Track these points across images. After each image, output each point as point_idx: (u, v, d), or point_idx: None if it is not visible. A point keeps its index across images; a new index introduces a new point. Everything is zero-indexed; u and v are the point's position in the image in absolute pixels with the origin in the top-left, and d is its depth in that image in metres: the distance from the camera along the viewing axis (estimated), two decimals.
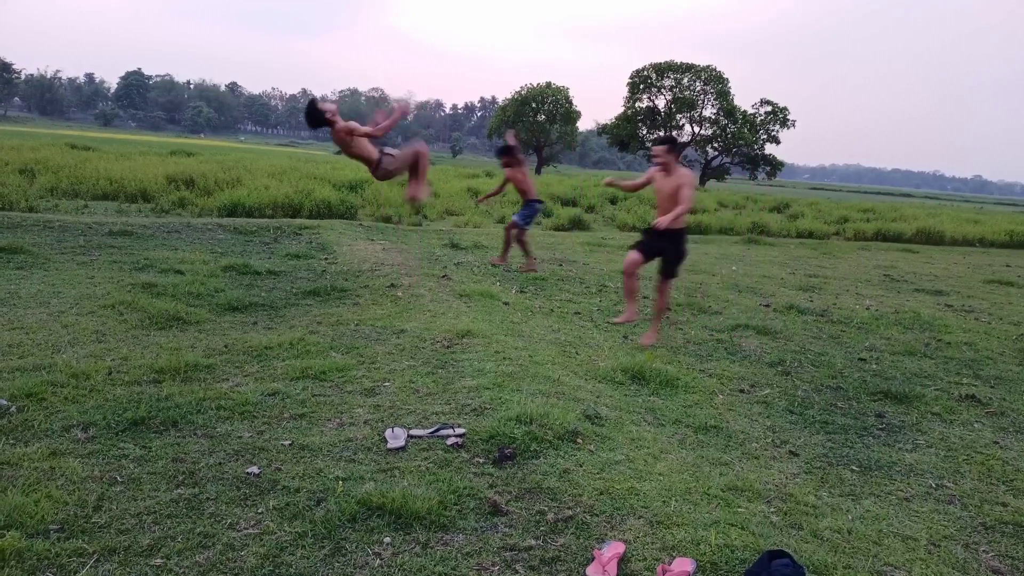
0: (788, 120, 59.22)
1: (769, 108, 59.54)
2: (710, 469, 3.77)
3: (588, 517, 3.09)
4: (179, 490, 3.20)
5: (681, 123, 61.35)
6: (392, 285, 7.97)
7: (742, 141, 58.39)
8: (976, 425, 5.00)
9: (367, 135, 5.75)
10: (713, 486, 3.50)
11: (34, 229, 9.87)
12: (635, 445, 3.94)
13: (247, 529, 2.91)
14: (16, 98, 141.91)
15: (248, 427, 3.93)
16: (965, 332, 7.97)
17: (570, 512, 3.11)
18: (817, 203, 30.21)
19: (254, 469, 3.40)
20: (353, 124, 5.75)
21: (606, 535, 2.94)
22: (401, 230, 13.29)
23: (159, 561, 2.69)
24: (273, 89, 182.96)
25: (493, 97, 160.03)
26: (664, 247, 6.66)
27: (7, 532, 2.74)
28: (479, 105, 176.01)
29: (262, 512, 3.04)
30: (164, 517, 2.98)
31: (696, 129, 61.23)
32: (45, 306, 6.25)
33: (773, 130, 59.35)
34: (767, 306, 8.71)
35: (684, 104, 59.66)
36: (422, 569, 2.70)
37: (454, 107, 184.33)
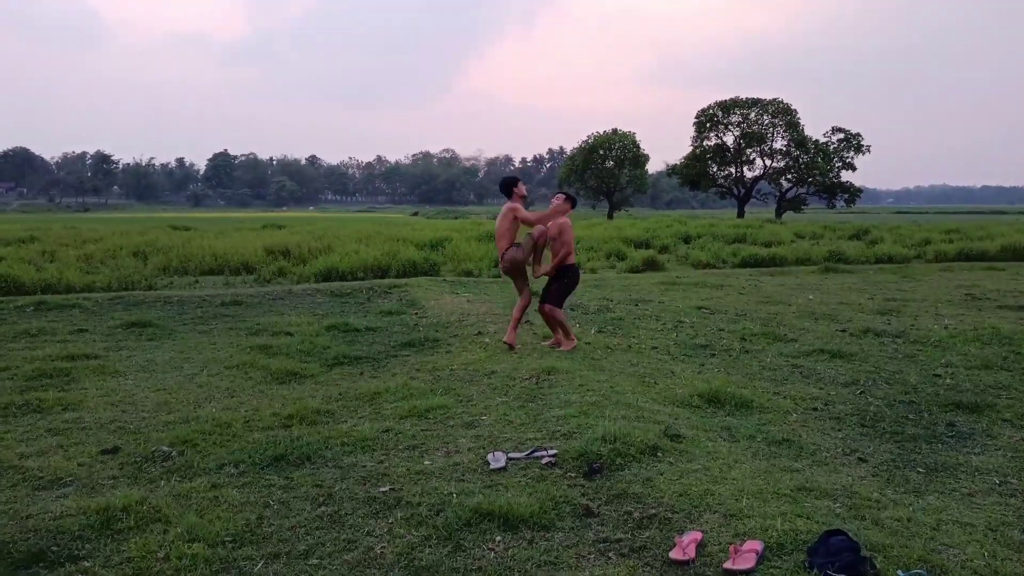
0: (862, 146, 58.28)
1: (842, 135, 58.78)
2: (780, 474, 4.16)
3: (669, 514, 3.55)
4: (322, 508, 3.82)
5: (752, 157, 61.19)
6: (479, 332, 8.60)
7: (816, 171, 57.67)
8: None
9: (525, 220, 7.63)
10: (783, 487, 3.90)
11: (156, 304, 11.00)
12: (711, 457, 4.37)
13: (382, 535, 3.49)
14: (115, 186, 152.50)
15: (369, 458, 4.55)
16: None
17: (653, 511, 3.58)
18: (899, 227, 29.69)
19: (382, 489, 4.00)
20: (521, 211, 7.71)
21: (685, 527, 3.40)
22: (482, 283, 14.00)
23: (315, 561, 3.29)
24: (350, 159, 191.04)
25: (561, 148, 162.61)
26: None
27: (193, 544, 3.40)
28: (547, 156, 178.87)
29: (392, 521, 3.62)
30: (313, 529, 3.59)
31: (768, 162, 60.89)
32: (179, 370, 7.12)
33: (847, 157, 58.46)
34: (843, 331, 8.92)
35: (753, 138, 59.56)
36: (530, 559, 3.21)
37: (523, 160, 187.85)
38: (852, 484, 4.07)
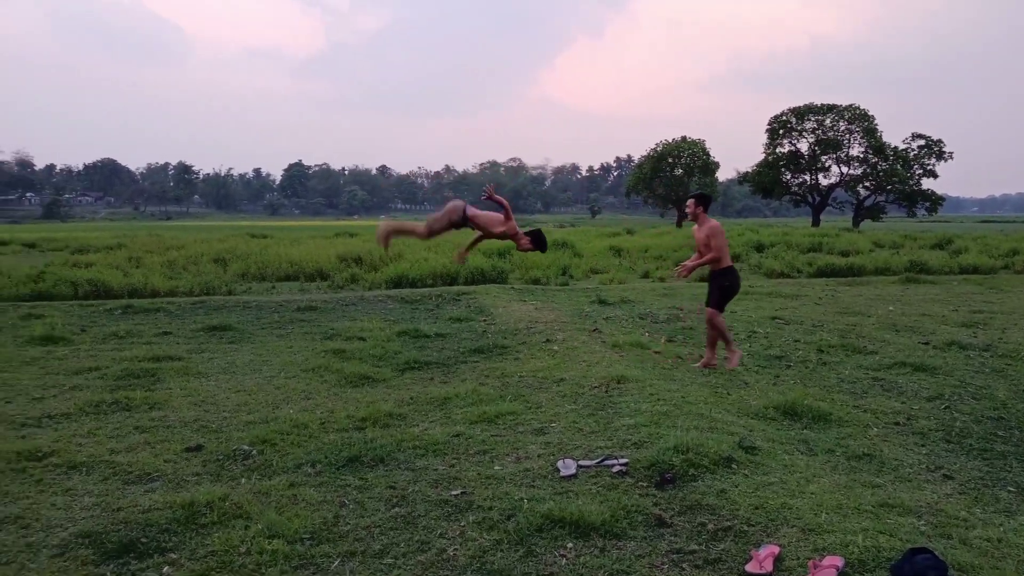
0: (944, 153, 56.07)
1: (922, 142, 56.68)
2: (861, 490, 4.03)
3: (745, 527, 3.48)
4: (395, 509, 3.88)
5: (827, 164, 59.51)
6: (548, 340, 8.61)
7: (895, 178, 55.73)
8: None
9: (502, 222, 6.18)
10: (864, 503, 3.78)
11: (236, 309, 11.38)
12: (788, 470, 4.27)
13: (454, 537, 3.53)
14: (196, 195, 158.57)
15: (441, 462, 4.61)
16: None
17: (728, 523, 3.52)
18: (984, 237, 28.42)
19: (454, 492, 4.04)
20: (488, 215, 6.26)
21: (762, 541, 3.33)
22: (549, 291, 14.01)
23: (389, 561, 3.35)
24: (419, 168, 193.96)
25: (628, 156, 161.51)
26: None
27: (273, 540, 3.51)
28: (615, 165, 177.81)
29: (464, 525, 3.66)
30: (387, 529, 3.66)
31: (844, 169, 59.14)
32: (258, 372, 7.35)
33: (928, 164, 56.33)
34: (926, 344, 8.59)
35: (829, 145, 57.93)
36: (602, 567, 3.20)
37: (590, 169, 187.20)
38: (938, 501, 3.92)
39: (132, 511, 3.87)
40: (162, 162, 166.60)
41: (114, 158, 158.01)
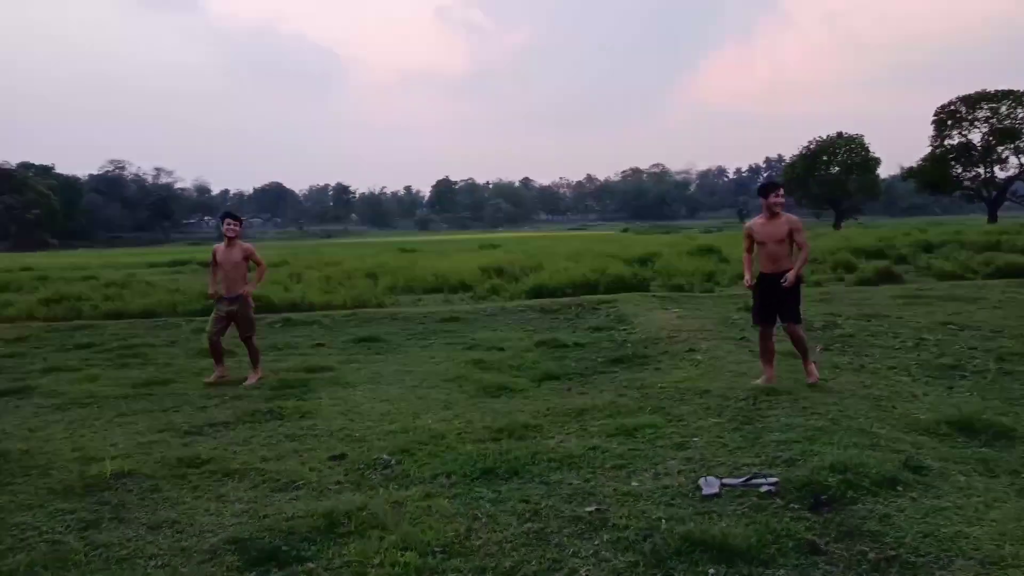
0: None
1: None
2: None
3: (913, 557, 3.10)
4: (528, 524, 3.79)
5: (1004, 155, 54.29)
6: (691, 350, 8.26)
7: None
8: None
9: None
10: None
11: (384, 321, 11.80)
12: (963, 494, 3.80)
13: (587, 556, 3.38)
14: (353, 214, 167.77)
15: (576, 475, 4.47)
16: None
17: (893, 552, 3.15)
18: None
19: (588, 508, 3.89)
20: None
21: (933, 574, 2.94)
22: (694, 298, 13.53)
23: None
24: (560, 179, 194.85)
25: (779, 156, 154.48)
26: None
27: (407, 552, 3.50)
28: (764, 165, 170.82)
29: (598, 544, 3.50)
30: (519, 545, 3.56)
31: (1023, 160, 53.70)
32: (401, 382, 7.52)
33: None
34: None
35: (1005, 134, 52.81)
36: None
37: (738, 171, 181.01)
38: None
39: (277, 518, 4.00)
40: (322, 183, 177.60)
41: (280, 181, 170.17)
